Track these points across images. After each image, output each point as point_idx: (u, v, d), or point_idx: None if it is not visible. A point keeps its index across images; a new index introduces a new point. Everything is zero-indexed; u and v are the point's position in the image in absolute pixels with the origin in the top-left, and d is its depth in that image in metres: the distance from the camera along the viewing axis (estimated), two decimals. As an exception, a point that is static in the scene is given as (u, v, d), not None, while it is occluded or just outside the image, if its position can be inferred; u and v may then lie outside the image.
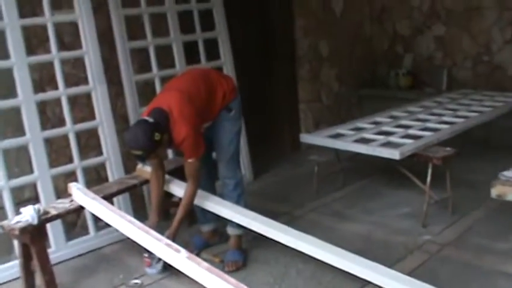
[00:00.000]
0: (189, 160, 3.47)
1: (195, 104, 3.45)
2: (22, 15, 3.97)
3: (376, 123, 5.12)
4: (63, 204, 3.64)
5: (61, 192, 4.20)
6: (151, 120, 3.30)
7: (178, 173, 4.11)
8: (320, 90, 6.72)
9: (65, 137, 4.24)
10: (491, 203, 4.45)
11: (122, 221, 3.28)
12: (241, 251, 3.86)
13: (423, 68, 6.97)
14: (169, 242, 3.08)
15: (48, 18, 4.07)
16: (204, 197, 3.75)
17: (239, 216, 3.56)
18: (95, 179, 4.54)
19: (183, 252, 3.00)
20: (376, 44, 7.41)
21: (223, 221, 3.84)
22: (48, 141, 4.14)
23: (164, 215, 4.52)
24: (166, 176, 3.95)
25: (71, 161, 4.31)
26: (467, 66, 6.57)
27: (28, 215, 3.35)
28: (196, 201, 3.68)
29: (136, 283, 3.64)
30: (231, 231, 3.87)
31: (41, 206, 3.55)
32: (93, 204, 3.51)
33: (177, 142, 3.39)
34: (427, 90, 6.68)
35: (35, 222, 3.34)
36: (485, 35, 6.34)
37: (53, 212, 3.53)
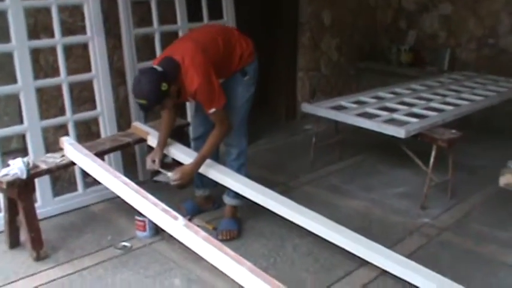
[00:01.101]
0: (210, 111, 3.26)
1: (210, 55, 3.24)
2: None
3: (378, 98, 4.97)
4: (54, 159, 3.46)
5: (49, 144, 4.03)
6: (159, 69, 3.09)
7: (174, 134, 3.96)
8: (320, 59, 6.55)
9: (57, 88, 4.05)
10: (490, 190, 4.40)
11: (116, 182, 3.13)
12: (236, 220, 3.73)
13: (425, 46, 6.81)
14: (166, 207, 2.94)
15: (48, -40, 3.83)
16: (210, 166, 3.55)
17: (239, 186, 3.39)
18: (86, 133, 4.36)
19: (181, 219, 2.87)
20: (380, 17, 7.23)
21: (220, 188, 3.69)
22: (39, 91, 3.92)
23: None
24: (157, 133, 3.79)
25: (61, 112, 4.13)
26: (472, 48, 6.43)
27: (17, 168, 3.18)
28: (202, 171, 3.49)
29: (125, 246, 3.49)
30: (227, 200, 3.72)
31: (31, 159, 3.37)
32: (86, 161, 3.33)
33: (190, 92, 3.20)
34: (428, 69, 6.55)
35: (24, 176, 3.18)
36: (493, 17, 6.19)
37: (43, 166, 3.35)
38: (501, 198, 4.19)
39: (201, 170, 3.48)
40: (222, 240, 3.43)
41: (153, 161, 3.60)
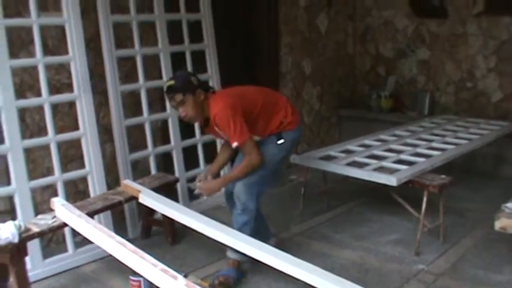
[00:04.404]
0: (233, 145, 3.44)
1: (242, 103, 3.46)
2: (6, 15, 3.71)
3: (365, 146, 5.00)
4: (45, 221, 3.39)
5: (36, 205, 3.95)
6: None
7: (163, 190, 3.97)
8: (302, 108, 6.59)
9: (44, 147, 3.99)
10: (480, 232, 4.45)
11: (112, 243, 3.05)
12: (237, 270, 3.67)
13: (405, 91, 6.91)
14: (165, 267, 2.87)
15: (34, 20, 3.81)
16: (203, 222, 3.45)
17: (234, 241, 3.31)
18: (73, 192, 4.30)
19: (180, 278, 2.80)
20: (358, 65, 7.33)
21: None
22: (26, 151, 3.86)
23: (146, 234, 4.35)
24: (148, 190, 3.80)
25: (48, 172, 4.07)
26: (450, 92, 6.54)
27: (8, 232, 3.10)
28: (195, 226, 3.41)
29: (121, 308, 3.41)
30: (231, 254, 3.66)
31: (22, 222, 3.29)
32: (79, 222, 3.26)
33: (212, 116, 3.42)
34: (409, 114, 6.63)
35: (16, 240, 3.10)
36: (470, 61, 6.32)
37: (35, 229, 3.28)
38: (492, 241, 4.21)
39: (200, 230, 3.38)
40: (216, 284, 3.49)
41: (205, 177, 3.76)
